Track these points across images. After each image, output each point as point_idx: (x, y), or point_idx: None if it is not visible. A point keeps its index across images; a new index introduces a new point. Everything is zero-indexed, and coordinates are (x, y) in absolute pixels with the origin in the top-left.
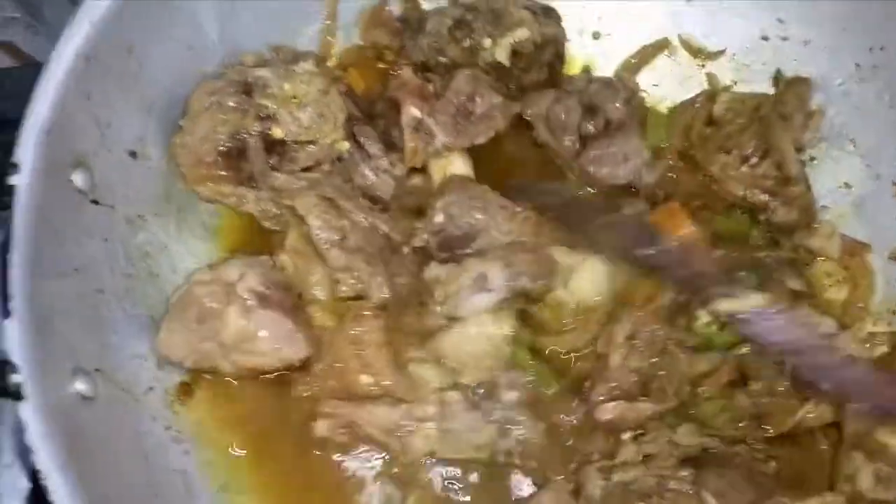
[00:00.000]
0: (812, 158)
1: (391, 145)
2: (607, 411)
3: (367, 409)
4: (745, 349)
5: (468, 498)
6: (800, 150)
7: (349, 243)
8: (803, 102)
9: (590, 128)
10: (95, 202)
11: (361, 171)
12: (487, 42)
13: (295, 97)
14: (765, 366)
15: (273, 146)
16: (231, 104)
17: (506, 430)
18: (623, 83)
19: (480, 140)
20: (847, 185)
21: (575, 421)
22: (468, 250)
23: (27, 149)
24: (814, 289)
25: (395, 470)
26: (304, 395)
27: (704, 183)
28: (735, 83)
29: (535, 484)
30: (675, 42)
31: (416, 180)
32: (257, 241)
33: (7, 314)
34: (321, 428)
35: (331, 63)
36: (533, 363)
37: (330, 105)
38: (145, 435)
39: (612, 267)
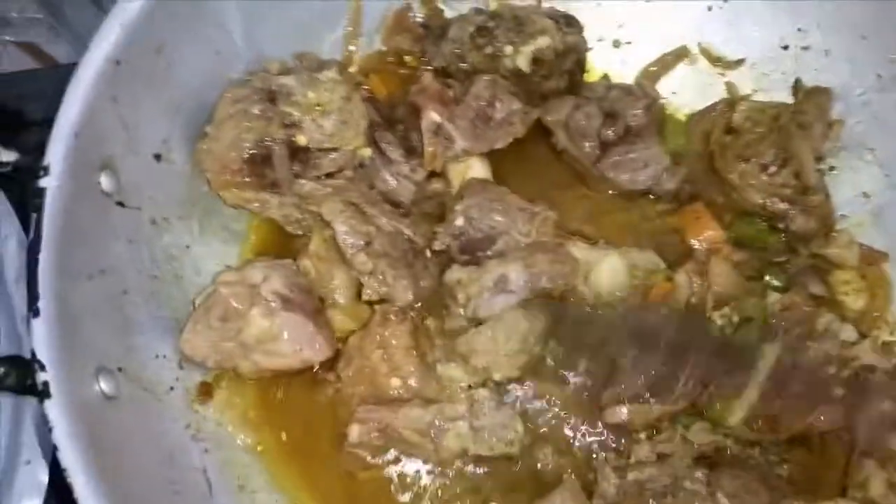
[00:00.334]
0: (831, 168)
1: (411, 150)
2: (617, 414)
3: (401, 413)
4: None
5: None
6: (819, 159)
7: (374, 248)
8: (823, 112)
9: (610, 134)
10: (121, 204)
11: (382, 177)
12: (509, 49)
13: (319, 105)
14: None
15: (297, 153)
16: (256, 112)
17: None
18: (643, 90)
19: (499, 145)
20: (865, 195)
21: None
22: (488, 252)
23: (56, 151)
24: (835, 295)
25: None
26: (331, 396)
27: (724, 191)
28: (755, 92)
29: None
30: (695, 50)
31: (436, 185)
32: (280, 244)
33: (35, 313)
34: (355, 433)
35: (352, 69)
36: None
37: (353, 112)
38: (166, 434)
39: (630, 262)
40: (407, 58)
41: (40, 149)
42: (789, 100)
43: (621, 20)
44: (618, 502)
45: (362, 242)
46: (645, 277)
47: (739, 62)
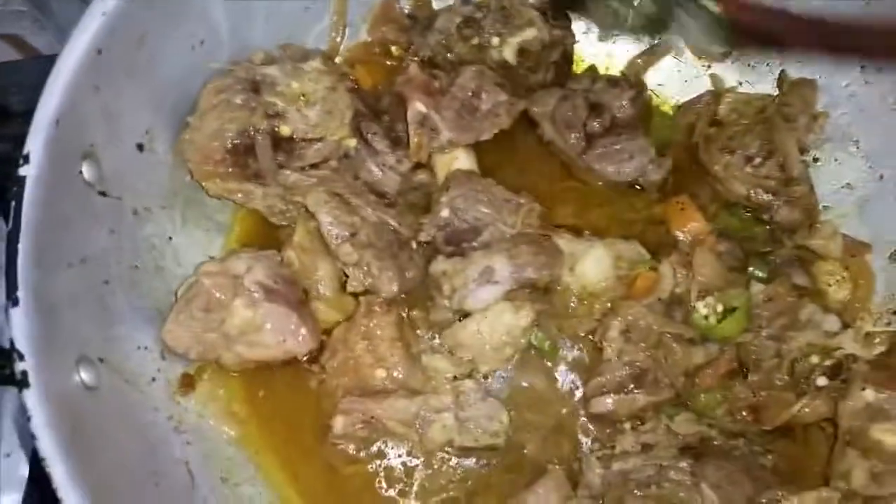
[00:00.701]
0: (815, 159)
1: (397, 141)
2: (601, 404)
3: (386, 403)
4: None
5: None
6: (803, 151)
7: (360, 239)
8: (808, 105)
9: (595, 126)
10: (103, 194)
11: (368, 167)
12: (496, 40)
13: (303, 95)
14: (765, 357)
15: (280, 143)
16: (239, 102)
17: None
18: (629, 82)
19: (485, 136)
20: (850, 186)
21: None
22: (474, 244)
23: (37, 140)
24: (818, 285)
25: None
26: (316, 388)
27: (709, 182)
28: (740, 84)
29: None
30: (682, 43)
31: (422, 176)
32: (265, 236)
33: (15, 303)
34: (340, 424)
35: (338, 60)
36: (552, 349)
37: (337, 102)
38: (147, 425)
39: (616, 254)
40: (393, 48)
41: (22, 140)
42: (775, 92)
43: None
44: (603, 493)
45: (347, 233)
46: (630, 268)
47: (725, 54)
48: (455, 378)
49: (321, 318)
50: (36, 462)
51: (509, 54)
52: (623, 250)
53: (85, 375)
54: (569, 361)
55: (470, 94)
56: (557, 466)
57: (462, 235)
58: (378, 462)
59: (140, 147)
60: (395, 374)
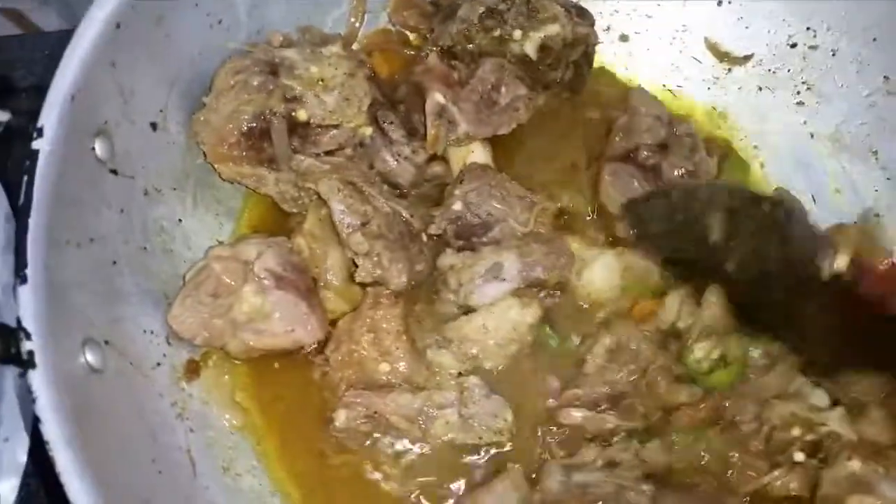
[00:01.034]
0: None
1: (412, 131)
2: (570, 417)
3: (389, 398)
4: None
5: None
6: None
7: (371, 228)
8: None
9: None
10: (115, 172)
11: (382, 157)
12: (518, 34)
13: (321, 80)
14: (745, 418)
15: (296, 128)
16: (256, 84)
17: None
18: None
19: (503, 131)
20: (868, 197)
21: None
22: (484, 239)
23: (52, 114)
24: None
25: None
26: (319, 379)
27: None
28: (759, 89)
29: None
30: (702, 45)
31: (437, 168)
32: (275, 222)
33: (23, 280)
34: (342, 417)
35: (355, 46)
36: (557, 345)
37: (355, 89)
38: (151, 411)
39: (624, 265)
40: (411, 37)
41: (29, 115)
42: (793, 99)
43: (630, 12)
44: (559, 501)
45: (359, 222)
46: (636, 283)
47: (746, 58)
48: (459, 374)
49: (329, 307)
50: (36, 447)
51: (531, 49)
52: (633, 262)
53: (91, 357)
54: (564, 361)
55: (490, 87)
56: (517, 466)
57: (473, 230)
58: (369, 452)
59: (154, 126)
60: (399, 368)
